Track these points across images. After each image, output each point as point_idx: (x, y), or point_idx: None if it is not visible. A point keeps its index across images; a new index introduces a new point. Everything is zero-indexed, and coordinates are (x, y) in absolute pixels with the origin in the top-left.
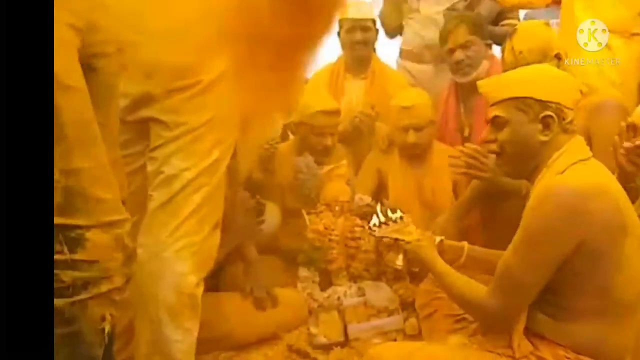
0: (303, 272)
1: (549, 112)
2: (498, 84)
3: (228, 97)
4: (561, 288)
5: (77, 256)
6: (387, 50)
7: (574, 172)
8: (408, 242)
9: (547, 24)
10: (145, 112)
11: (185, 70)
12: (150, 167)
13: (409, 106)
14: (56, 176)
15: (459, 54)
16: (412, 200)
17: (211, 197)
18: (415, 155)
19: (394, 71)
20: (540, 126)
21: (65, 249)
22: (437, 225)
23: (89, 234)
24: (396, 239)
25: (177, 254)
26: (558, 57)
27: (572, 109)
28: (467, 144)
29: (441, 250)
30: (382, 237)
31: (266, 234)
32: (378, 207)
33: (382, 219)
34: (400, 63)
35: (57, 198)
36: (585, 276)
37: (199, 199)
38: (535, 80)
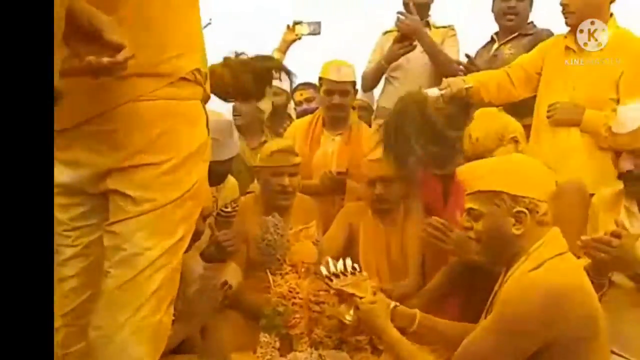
0: (264, 337)
1: (521, 208)
2: (475, 173)
3: (198, 173)
4: None
5: None
6: None
7: (550, 269)
8: (361, 298)
9: (501, 110)
10: (110, 185)
11: (157, 146)
12: (108, 242)
13: (378, 159)
14: None
15: None
16: (381, 257)
17: (170, 276)
18: (385, 211)
19: (370, 130)
20: (513, 220)
21: None
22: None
23: None
24: (352, 294)
25: (133, 336)
26: (515, 140)
27: (545, 202)
28: (434, 217)
29: (393, 315)
30: (338, 288)
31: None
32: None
33: (339, 268)
34: (376, 122)
35: None
36: None
37: (160, 279)
38: (510, 174)
